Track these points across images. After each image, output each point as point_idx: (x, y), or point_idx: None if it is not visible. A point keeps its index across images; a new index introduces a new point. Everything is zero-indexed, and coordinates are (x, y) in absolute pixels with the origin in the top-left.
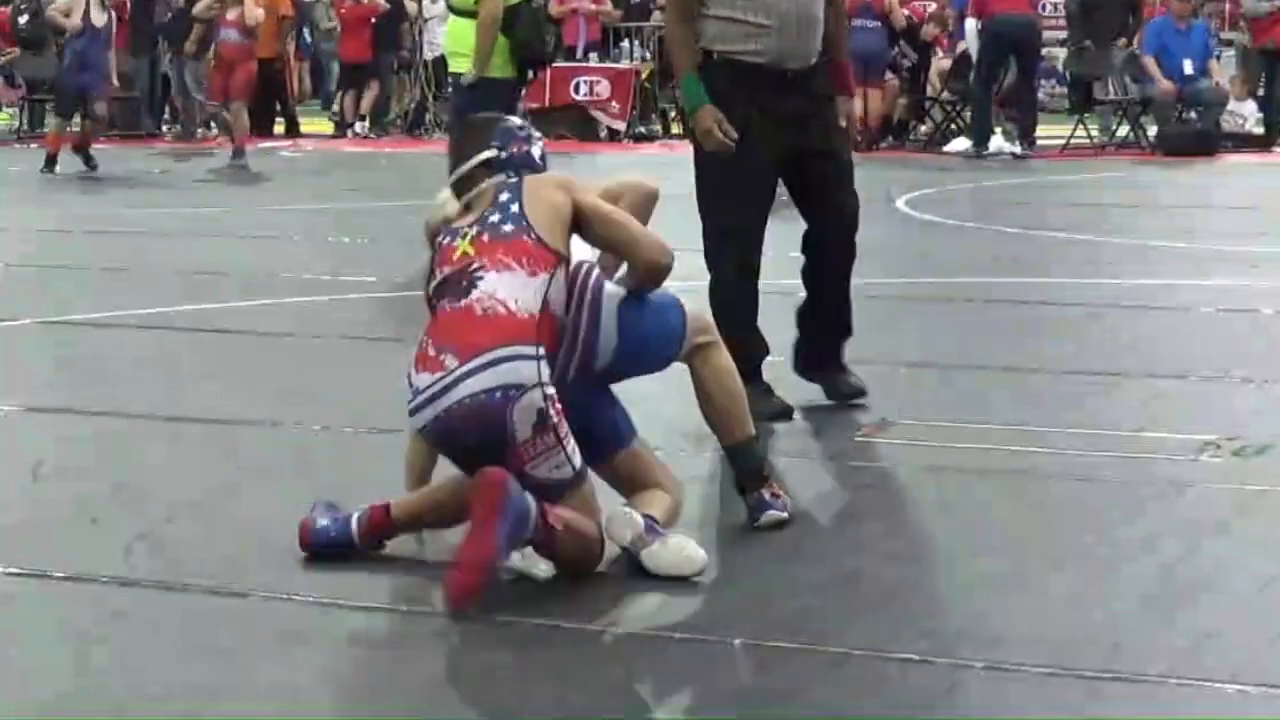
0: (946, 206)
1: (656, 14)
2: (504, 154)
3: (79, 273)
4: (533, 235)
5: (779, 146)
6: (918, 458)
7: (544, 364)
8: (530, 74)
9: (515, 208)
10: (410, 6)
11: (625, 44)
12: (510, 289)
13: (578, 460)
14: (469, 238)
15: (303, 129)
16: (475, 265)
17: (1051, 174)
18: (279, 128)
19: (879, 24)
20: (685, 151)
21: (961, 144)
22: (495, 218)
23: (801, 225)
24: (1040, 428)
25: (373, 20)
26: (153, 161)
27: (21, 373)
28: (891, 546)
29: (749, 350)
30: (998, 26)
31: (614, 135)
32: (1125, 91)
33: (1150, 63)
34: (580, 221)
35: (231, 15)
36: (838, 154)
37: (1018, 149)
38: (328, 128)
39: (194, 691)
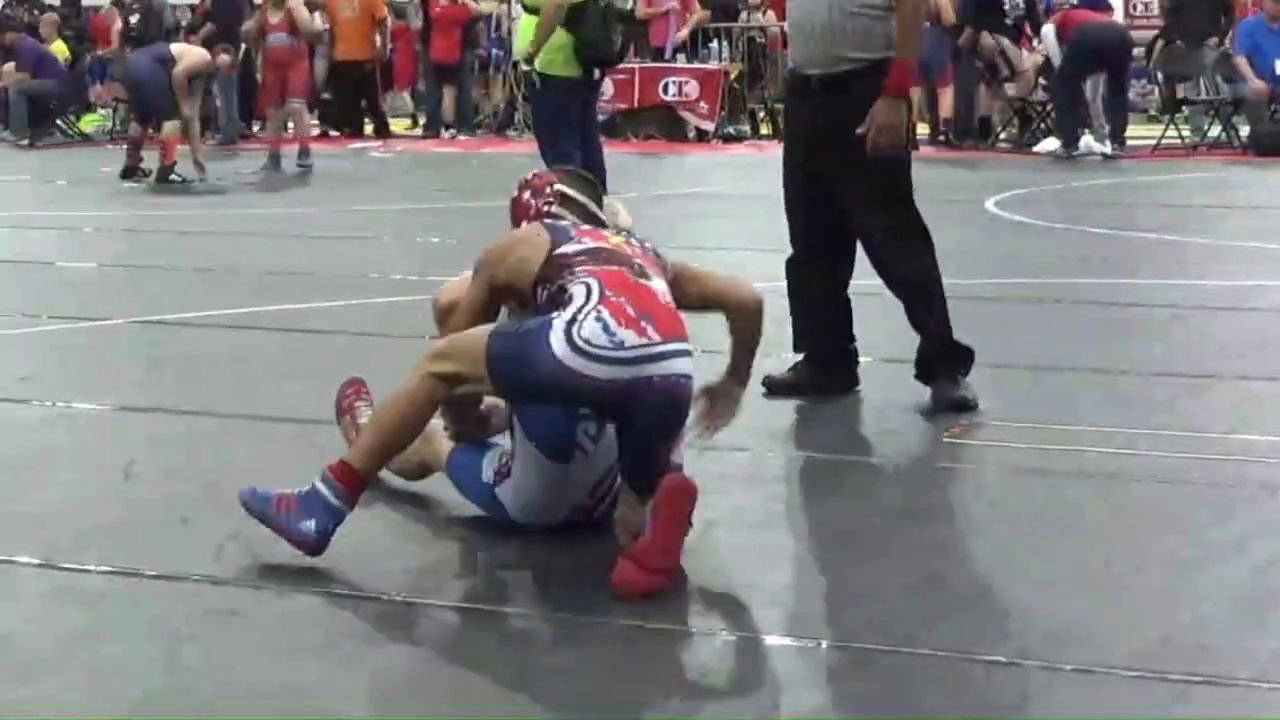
0: (1036, 207)
1: (742, 14)
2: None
3: (170, 273)
4: (661, 261)
5: (803, 148)
6: (1006, 459)
7: None
8: (596, 74)
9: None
10: (496, 7)
11: (714, 44)
12: (666, 295)
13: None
14: (620, 234)
15: (395, 129)
16: (636, 259)
17: (1142, 174)
18: (369, 128)
19: (927, 26)
20: (774, 151)
21: (1051, 144)
22: (634, 238)
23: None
24: (1129, 430)
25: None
26: (239, 163)
27: (113, 372)
28: (979, 548)
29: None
30: (1083, 37)
31: (702, 136)
32: (1217, 91)
33: (1242, 62)
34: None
35: (276, 19)
36: (856, 170)
37: (1108, 149)
38: (407, 126)
39: (283, 690)
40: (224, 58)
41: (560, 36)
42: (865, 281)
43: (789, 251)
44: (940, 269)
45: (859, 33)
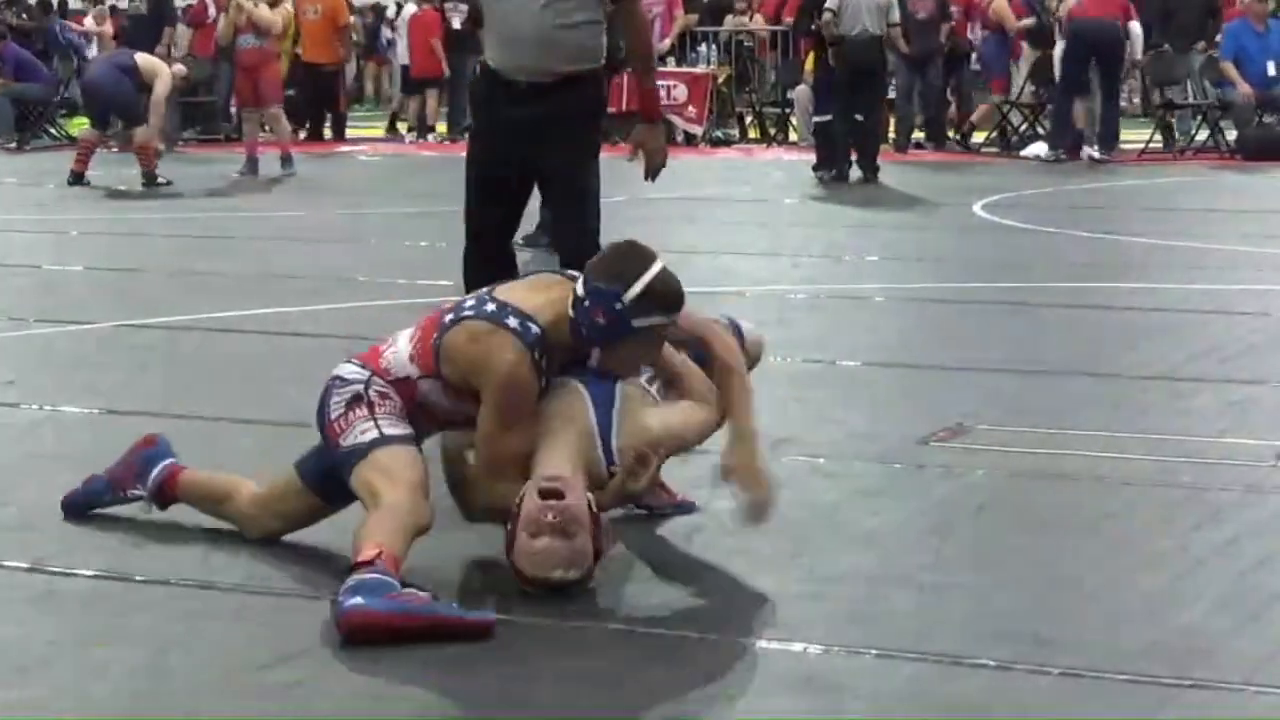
0: (1023, 211)
1: (729, 18)
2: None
3: (156, 276)
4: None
5: (511, 153)
6: (992, 462)
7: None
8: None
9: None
10: None
11: (702, 48)
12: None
13: None
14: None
15: (371, 133)
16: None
17: (1129, 179)
18: (328, 132)
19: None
20: (762, 156)
21: (1038, 148)
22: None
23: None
24: (1117, 433)
25: (447, 26)
26: (230, 165)
27: (100, 376)
28: (966, 552)
29: None
30: (1079, 30)
31: (690, 139)
32: (1204, 95)
33: (1229, 67)
34: None
35: (244, 20)
36: (561, 177)
37: (1096, 153)
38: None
39: (272, 693)
40: (179, 68)
41: None
42: (850, 286)
43: (780, 256)
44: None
45: (572, 46)
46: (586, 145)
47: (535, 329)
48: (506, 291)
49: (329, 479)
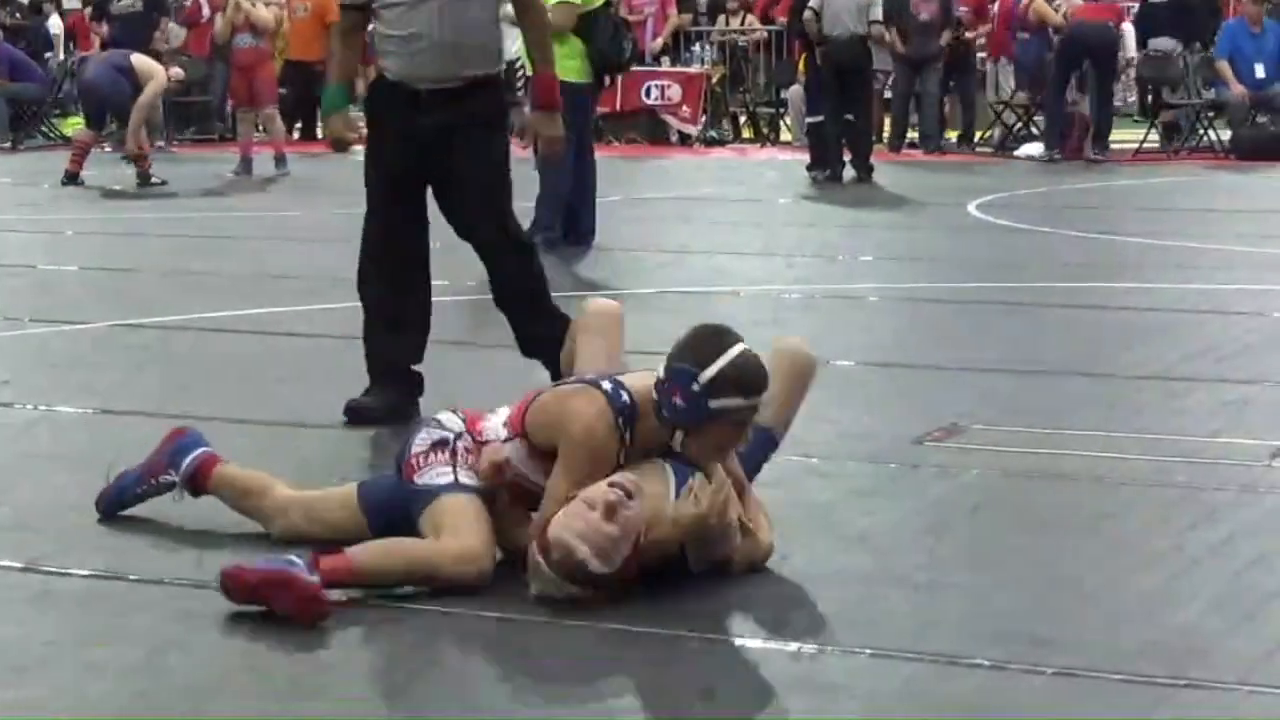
0: (1018, 211)
1: (720, 18)
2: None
3: (151, 276)
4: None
5: (405, 161)
6: (987, 462)
7: None
8: (607, 80)
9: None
10: None
11: (696, 48)
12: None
13: None
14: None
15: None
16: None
17: (1123, 178)
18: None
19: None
20: (756, 155)
21: (1033, 148)
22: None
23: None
24: (1112, 433)
25: None
26: (224, 165)
27: (95, 376)
28: (961, 551)
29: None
30: (1075, 31)
31: (685, 139)
32: (1199, 95)
33: (1224, 66)
34: None
35: (241, 19)
36: (463, 179)
37: (1091, 153)
38: None
39: (268, 693)
40: (176, 70)
41: (574, 43)
42: (844, 286)
43: (774, 256)
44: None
45: (475, 50)
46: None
47: (626, 396)
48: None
49: (384, 511)
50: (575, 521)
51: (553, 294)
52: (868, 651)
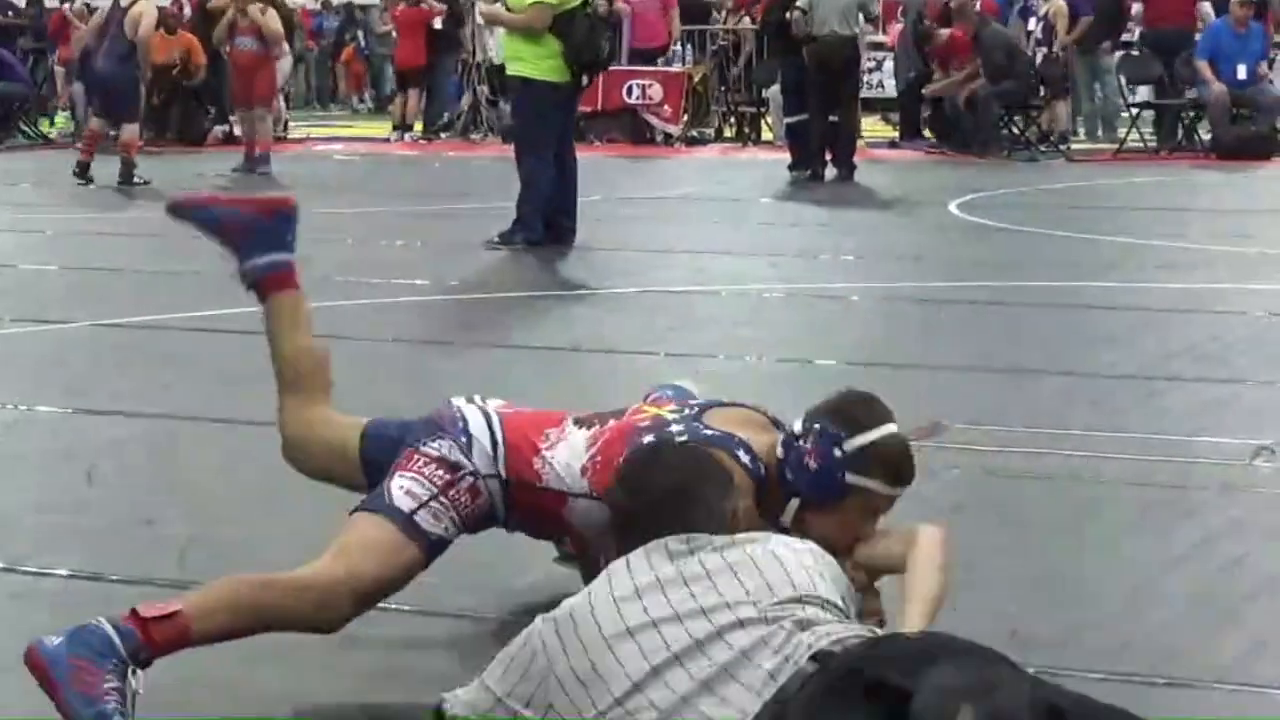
0: (999, 210)
1: (710, 17)
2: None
3: (131, 275)
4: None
5: None
6: (968, 461)
7: None
8: (585, 80)
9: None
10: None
11: (677, 47)
12: None
13: None
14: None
15: (358, 132)
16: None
17: (1104, 178)
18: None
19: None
20: (738, 155)
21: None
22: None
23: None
24: (1092, 432)
25: (429, 24)
26: (209, 164)
27: (75, 375)
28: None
29: None
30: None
31: (667, 139)
32: (1180, 95)
33: (1204, 66)
34: None
35: (245, 23)
36: None
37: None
38: (383, 131)
39: (252, 694)
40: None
41: (551, 43)
42: (826, 285)
43: (756, 255)
44: None
45: None
46: None
47: (760, 465)
48: (718, 418)
49: (380, 468)
50: None
51: (535, 293)
52: None
